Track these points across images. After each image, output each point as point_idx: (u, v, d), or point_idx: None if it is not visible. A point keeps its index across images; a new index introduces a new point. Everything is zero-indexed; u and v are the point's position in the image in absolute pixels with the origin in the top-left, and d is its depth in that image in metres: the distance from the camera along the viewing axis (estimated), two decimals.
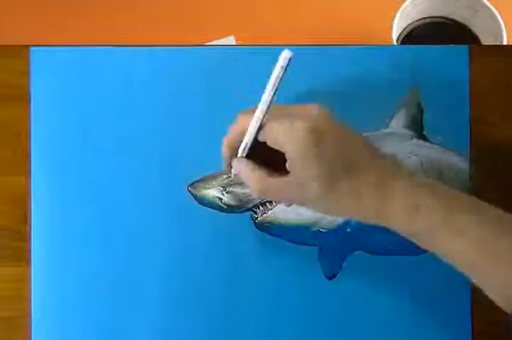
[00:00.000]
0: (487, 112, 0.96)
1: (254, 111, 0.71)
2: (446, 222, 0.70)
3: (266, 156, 0.74)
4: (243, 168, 0.74)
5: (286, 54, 0.67)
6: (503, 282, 0.69)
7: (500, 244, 0.69)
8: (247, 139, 0.73)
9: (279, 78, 0.68)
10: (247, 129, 0.73)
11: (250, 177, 0.72)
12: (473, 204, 0.73)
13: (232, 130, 0.75)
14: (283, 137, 0.70)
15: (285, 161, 0.72)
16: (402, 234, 0.73)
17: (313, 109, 0.71)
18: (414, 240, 0.74)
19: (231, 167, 0.77)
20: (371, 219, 0.73)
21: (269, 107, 0.70)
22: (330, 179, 0.70)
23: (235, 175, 0.77)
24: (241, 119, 0.74)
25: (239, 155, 0.75)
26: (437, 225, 0.70)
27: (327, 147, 0.70)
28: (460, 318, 0.94)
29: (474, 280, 0.71)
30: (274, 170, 0.74)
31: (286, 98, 0.91)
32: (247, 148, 0.74)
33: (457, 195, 0.73)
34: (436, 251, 0.73)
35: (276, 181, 0.71)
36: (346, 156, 0.71)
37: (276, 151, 0.72)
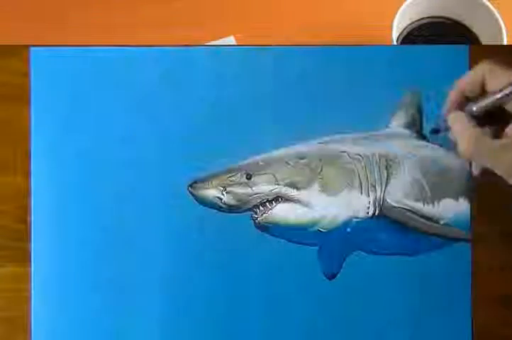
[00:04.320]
0: None
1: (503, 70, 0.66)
2: None
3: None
4: (461, 123, 0.68)
5: None
6: None
7: None
8: (491, 101, 0.66)
9: None
10: (484, 82, 0.66)
11: (465, 133, 0.66)
12: None
13: (471, 77, 0.67)
14: None
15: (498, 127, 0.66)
16: None
17: None
18: None
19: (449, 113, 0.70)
20: None
21: None
22: None
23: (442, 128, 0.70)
24: (479, 70, 0.67)
25: (470, 109, 0.68)
26: None
27: None
28: (460, 318, 0.94)
29: None
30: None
31: (287, 98, 0.91)
32: (482, 109, 0.67)
33: None
34: None
35: (490, 142, 0.65)
36: None
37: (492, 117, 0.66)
